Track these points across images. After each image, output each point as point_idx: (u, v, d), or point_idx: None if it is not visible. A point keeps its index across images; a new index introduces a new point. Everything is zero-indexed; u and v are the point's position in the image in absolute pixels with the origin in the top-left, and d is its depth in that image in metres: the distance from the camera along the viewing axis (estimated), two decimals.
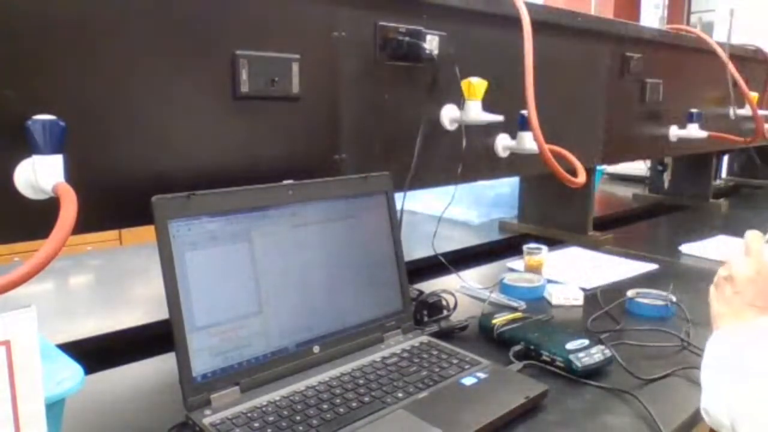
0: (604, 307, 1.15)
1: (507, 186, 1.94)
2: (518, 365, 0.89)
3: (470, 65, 1.15)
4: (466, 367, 0.86)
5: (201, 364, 0.75)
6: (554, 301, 1.19)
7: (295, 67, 0.92)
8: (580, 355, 0.88)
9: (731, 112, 2.10)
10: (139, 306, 1.18)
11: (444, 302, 1.07)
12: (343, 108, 1.01)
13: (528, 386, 0.81)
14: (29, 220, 0.71)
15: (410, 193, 1.12)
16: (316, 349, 0.86)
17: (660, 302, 1.15)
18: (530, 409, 0.79)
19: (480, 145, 1.25)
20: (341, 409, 0.75)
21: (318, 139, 0.99)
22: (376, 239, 0.96)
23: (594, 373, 0.88)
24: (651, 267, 1.43)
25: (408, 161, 1.11)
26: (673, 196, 2.29)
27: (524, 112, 1.18)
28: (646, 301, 1.16)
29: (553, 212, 1.73)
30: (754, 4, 3.39)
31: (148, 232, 0.74)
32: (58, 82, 0.72)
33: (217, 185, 0.80)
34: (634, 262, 1.47)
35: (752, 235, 0.83)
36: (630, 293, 1.18)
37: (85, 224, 0.67)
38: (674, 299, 1.15)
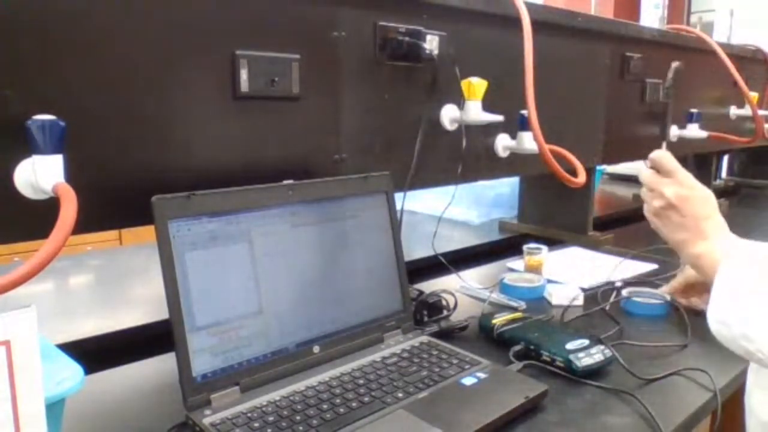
0: (603, 306, 1.16)
1: (507, 186, 1.94)
2: (518, 365, 0.89)
3: (470, 65, 1.15)
4: (466, 367, 0.86)
5: (201, 364, 0.75)
6: (554, 301, 1.19)
7: (295, 67, 0.92)
8: (580, 355, 0.88)
9: (731, 112, 2.10)
10: (139, 306, 1.18)
11: (444, 302, 1.07)
12: (343, 108, 1.01)
13: (528, 386, 0.81)
14: (29, 220, 0.71)
15: (410, 193, 1.12)
16: (316, 349, 0.86)
17: (656, 301, 1.15)
18: (530, 409, 0.79)
19: (480, 145, 1.25)
20: (341, 409, 0.75)
21: (318, 139, 0.99)
22: (376, 239, 0.96)
23: (594, 373, 0.88)
24: (651, 267, 1.43)
25: (408, 161, 1.11)
26: None
27: (524, 112, 1.18)
28: (642, 300, 1.16)
29: (553, 212, 1.73)
30: (754, 4, 3.39)
31: (148, 232, 0.74)
32: (58, 82, 0.72)
33: (218, 185, 0.80)
34: (634, 262, 1.47)
35: (660, 155, 0.87)
36: (625, 292, 1.18)
37: (85, 224, 0.67)
38: (668, 298, 1.16)
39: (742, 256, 0.74)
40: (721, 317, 0.70)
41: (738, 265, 0.72)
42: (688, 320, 1.08)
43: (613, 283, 1.29)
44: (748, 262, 0.72)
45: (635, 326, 1.07)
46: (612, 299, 1.18)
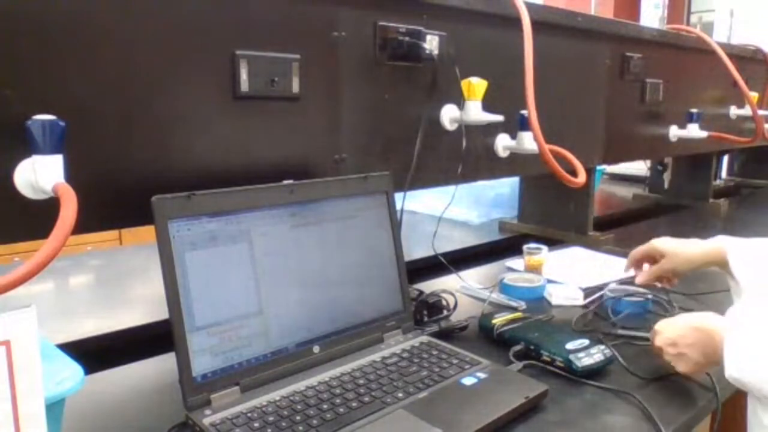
0: (587, 305, 1.17)
1: (507, 186, 1.94)
2: (518, 365, 0.89)
3: (470, 65, 1.15)
4: (466, 367, 0.86)
5: (201, 364, 0.75)
6: (554, 301, 1.19)
7: (295, 67, 0.92)
8: (580, 355, 0.88)
9: (731, 112, 2.10)
10: (139, 306, 1.18)
11: (444, 302, 1.07)
12: (343, 108, 1.01)
13: (528, 386, 0.81)
14: (29, 220, 0.71)
15: (410, 193, 1.12)
16: (316, 349, 0.86)
17: (637, 298, 1.16)
18: (530, 409, 0.79)
19: (480, 145, 1.25)
20: (341, 409, 0.75)
21: (318, 139, 0.99)
22: (376, 239, 0.96)
23: (594, 373, 0.88)
24: None
25: (408, 161, 1.11)
26: (673, 196, 2.29)
27: (524, 112, 1.18)
28: (625, 297, 1.16)
29: (553, 212, 1.73)
30: (754, 4, 3.39)
31: (148, 232, 0.74)
32: (58, 82, 0.72)
33: (217, 185, 0.80)
34: None
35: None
36: (608, 291, 1.19)
37: (85, 224, 0.67)
38: (650, 296, 1.17)
39: (747, 321, 0.77)
40: (740, 381, 0.75)
41: (744, 330, 0.76)
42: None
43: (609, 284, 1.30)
44: (753, 325, 0.76)
45: (630, 325, 1.07)
46: (594, 297, 1.19)
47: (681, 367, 0.84)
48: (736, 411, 0.89)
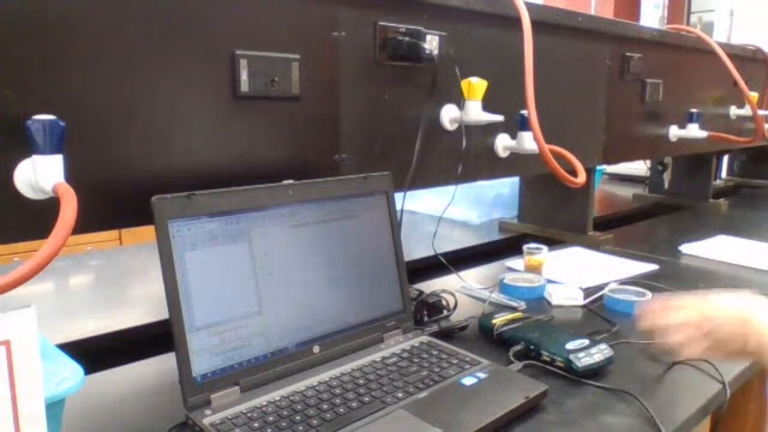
0: (587, 305, 1.17)
1: (507, 186, 1.94)
2: (518, 365, 0.89)
3: (470, 65, 1.15)
4: (466, 367, 0.86)
5: (201, 364, 0.75)
6: (554, 301, 1.19)
7: (295, 67, 0.92)
8: (580, 355, 0.88)
9: (731, 112, 2.10)
10: (139, 306, 1.18)
11: (444, 302, 1.07)
12: (343, 108, 1.01)
13: (528, 386, 0.81)
14: (29, 220, 0.71)
15: (410, 193, 1.12)
16: (316, 349, 0.86)
17: (635, 298, 1.16)
18: (530, 409, 0.79)
19: (480, 145, 1.25)
20: (341, 409, 0.75)
21: (318, 139, 0.99)
22: (376, 239, 0.96)
23: (594, 373, 0.88)
24: (651, 267, 1.43)
25: (408, 161, 1.11)
26: (673, 196, 2.29)
27: (524, 112, 1.19)
28: (622, 297, 1.17)
29: (553, 212, 1.73)
30: (754, 4, 3.40)
31: (148, 232, 0.74)
32: (58, 82, 0.72)
33: (217, 185, 0.80)
34: (634, 262, 1.47)
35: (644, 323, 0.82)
36: (607, 290, 1.19)
37: (85, 224, 0.67)
38: (650, 296, 1.17)
39: None
40: None
41: None
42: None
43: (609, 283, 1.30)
44: None
45: (630, 325, 1.07)
46: (594, 297, 1.19)
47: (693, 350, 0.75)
48: (736, 411, 0.89)
